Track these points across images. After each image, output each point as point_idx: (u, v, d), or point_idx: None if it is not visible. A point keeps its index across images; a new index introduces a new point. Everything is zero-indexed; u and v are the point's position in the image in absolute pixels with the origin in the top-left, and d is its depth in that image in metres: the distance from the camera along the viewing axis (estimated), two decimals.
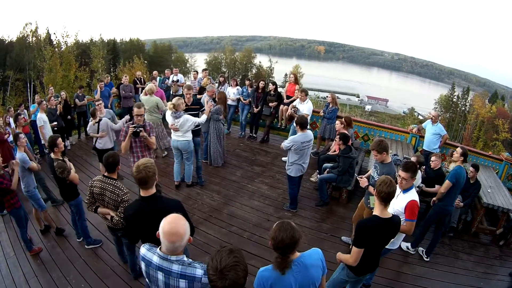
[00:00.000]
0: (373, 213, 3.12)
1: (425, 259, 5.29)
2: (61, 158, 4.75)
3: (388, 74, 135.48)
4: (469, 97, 62.40)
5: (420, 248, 5.46)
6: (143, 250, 2.37)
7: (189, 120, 6.11)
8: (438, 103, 65.54)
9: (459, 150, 5.05)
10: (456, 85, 66.74)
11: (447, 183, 4.86)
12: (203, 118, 6.33)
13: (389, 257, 5.05)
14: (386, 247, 3.71)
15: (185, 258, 2.24)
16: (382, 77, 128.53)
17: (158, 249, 2.28)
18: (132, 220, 3.03)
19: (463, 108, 61.19)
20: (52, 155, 4.73)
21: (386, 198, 2.99)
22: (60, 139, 4.77)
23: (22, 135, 5.33)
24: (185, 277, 2.18)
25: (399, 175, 3.72)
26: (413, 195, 3.66)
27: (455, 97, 63.28)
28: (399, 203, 3.65)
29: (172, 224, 2.11)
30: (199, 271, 2.18)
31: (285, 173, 6.09)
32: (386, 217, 3.05)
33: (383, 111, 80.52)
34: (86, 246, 5.08)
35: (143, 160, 2.98)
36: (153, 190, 3.00)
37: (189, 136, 6.31)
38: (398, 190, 3.69)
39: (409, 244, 5.33)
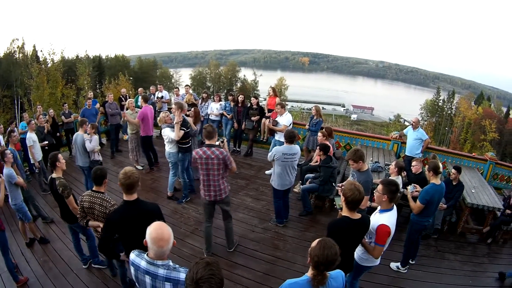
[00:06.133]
0: (343, 214, 3.23)
1: (403, 271, 5.14)
2: (63, 178, 4.64)
3: (373, 82, 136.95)
4: (455, 100, 63.09)
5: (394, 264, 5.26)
6: (133, 255, 2.52)
7: (165, 132, 6.56)
8: (423, 108, 66.19)
9: (427, 167, 4.87)
10: (442, 89, 67.59)
11: (418, 205, 4.67)
12: (173, 134, 6.44)
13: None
14: (368, 264, 3.72)
15: (171, 263, 2.40)
16: (367, 85, 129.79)
17: (145, 254, 2.42)
18: (118, 223, 3.24)
19: (449, 112, 61.85)
20: (53, 174, 4.61)
21: (351, 202, 3.10)
22: (60, 154, 4.65)
23: (7, 152, 5.47)
24: (170, 280, 2.34)
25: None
26: (386, 219, 3.41)
27: (441, 101, 64.07)
28: (374, 221, 3.48)
29: (158, 231, 2.30)
30: (182, 275, 2.32)
31: (269, 185, 6.12)
32: (356, 218, 3.18)
33: (369, 119, 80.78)
34: (92, 265, 5.07)
35: (128, 168, 3.27)
36: (135, 196, 3.27)
37: (171, 147, 6.68)
38: (379, 206, 3.63)
39: (398, 264, 5.16)
